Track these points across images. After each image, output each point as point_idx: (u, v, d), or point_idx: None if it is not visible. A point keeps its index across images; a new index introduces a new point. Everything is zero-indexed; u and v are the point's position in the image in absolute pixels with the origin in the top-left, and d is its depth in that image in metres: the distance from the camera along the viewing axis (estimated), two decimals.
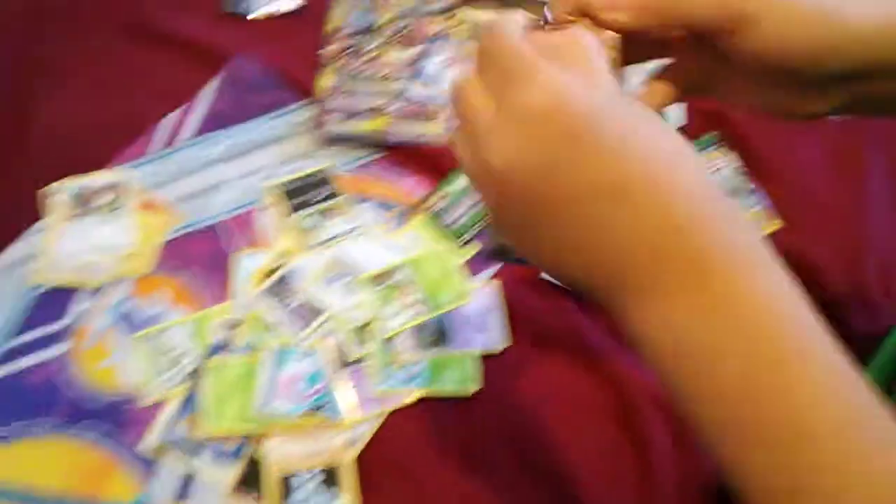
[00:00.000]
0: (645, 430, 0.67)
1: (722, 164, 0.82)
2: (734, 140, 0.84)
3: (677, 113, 0.84)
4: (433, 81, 0.87)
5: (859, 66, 0.40)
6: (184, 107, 0.85)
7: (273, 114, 0.86)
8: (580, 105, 0.34)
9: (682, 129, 0.84)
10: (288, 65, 0.89)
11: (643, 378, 0.69)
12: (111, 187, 0.78)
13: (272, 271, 0.74)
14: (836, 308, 0.74)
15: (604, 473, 0.66)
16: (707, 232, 0.34)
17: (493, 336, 0.72)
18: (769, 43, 0.39)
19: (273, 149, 0.83)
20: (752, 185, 0.81)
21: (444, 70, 0.88)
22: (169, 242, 0.76)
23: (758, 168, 0.82)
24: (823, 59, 0.39)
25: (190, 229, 0.77)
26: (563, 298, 0.74)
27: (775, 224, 0.78)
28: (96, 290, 0.73)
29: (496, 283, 0.74)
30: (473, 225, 0.77)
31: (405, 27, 0.91)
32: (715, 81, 0.45)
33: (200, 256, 0.75)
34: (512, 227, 0.38)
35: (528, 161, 0.34)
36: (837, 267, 0.77)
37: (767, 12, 0.38)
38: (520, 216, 0.37)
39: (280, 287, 0.73)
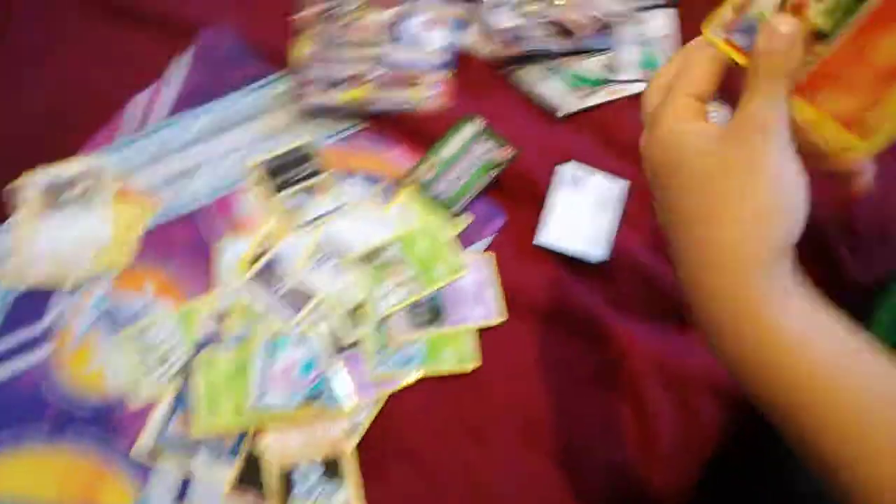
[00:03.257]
0: (645, 397, 0.66)
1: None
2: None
3: None
4: (414, 44, 0.83)
5: None
6: (154, 85, 0.81)
7: (249, 88, 0.82)
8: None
9: None
10: (261, 34, 0.85)
11: (643, 345, 0.67)
12: (83, 177, 0.74)
13: (258, 257, 0.71)
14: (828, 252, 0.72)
15: (605, 442, 0.65)
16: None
17: (491, 309, 0.69)
18: None
19: (252, 125, 0.80)
20: None
21: (425, 32, 0.83)
22: (148, 232, 0.73)
23: None
24: None
25: (170, 217, 0.74)
26: (559, 269, 0.71)
27: None
28: (75, 289, 0.70)
29: (489, 255, 0.72)
30: (464, 195, 0.74)
31: None
32: None
33: (182, 245, 0.72)
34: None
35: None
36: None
37: None
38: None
39: (267, 273, 0.70)
